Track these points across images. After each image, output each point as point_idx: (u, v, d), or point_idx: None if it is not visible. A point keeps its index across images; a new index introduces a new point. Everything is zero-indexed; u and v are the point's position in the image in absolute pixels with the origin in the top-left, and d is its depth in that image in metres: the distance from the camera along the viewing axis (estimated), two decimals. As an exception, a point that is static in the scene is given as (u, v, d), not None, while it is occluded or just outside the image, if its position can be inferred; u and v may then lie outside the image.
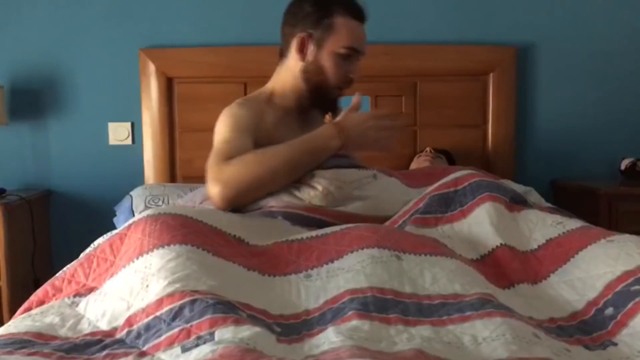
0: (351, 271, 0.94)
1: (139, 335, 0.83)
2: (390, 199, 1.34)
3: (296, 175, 1.29)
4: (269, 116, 1.42)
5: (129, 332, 0.85)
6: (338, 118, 1.35)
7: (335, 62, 1.41)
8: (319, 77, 1.42)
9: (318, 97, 1.45)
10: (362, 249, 0.99)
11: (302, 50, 1.41)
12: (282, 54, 1.49)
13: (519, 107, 2.34)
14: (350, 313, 0.83)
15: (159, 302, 0.84)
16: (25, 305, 1.01)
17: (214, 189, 1.23)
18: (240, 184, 1.23)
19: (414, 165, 2.08)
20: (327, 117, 1.52)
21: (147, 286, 0.89)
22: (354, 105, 1.36)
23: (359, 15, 1.42)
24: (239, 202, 1.25)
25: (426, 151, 2.10)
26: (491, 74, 2.28)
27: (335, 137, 1.30)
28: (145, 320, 0.84)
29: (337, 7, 1.40)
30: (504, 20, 2.34)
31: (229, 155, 1.27)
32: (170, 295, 0.84)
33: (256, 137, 1.37)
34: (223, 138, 1.36)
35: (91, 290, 0.99)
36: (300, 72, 1.43)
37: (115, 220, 1.93)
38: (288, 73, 1.46)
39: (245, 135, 1.35)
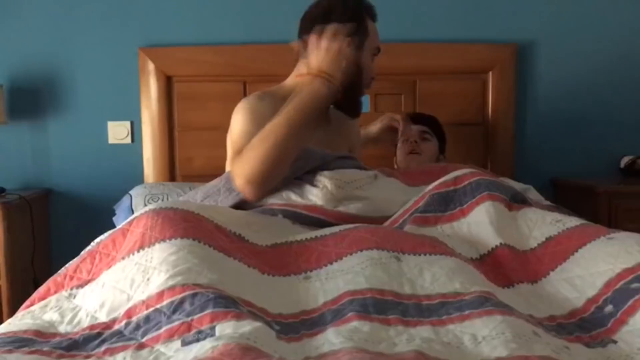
0: (350, 273, 0.94)
1: (137, 327, 0.83)
2: (389, 199, 1.34)
3: (302, 136, 1.30)
4: None
5: (127, 324, 0.85)
6: (303, 68, 1.39)
7: (369, 62, 1.50)
8: (357, 78, 1.47)
9: (350, 97, 1.49)
10: (362, 250, 0.99)
11: None
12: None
13: (518, 105, 2.34)
14: (349, 314, 0.83)
15: (160, 295, 0.85)
16: (27, 302, 1.01)
17: (241, 188, 1.28)
18: (257, 168, 1.25)
19: (400, 155, 1.98)
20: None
21: (148, 279, 0.89)
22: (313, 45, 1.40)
23: (376, 16, 1.52)
24: (267, 186, 1.28)
25: (410, 141, 1.94)
26: (491, 72, 2.28)
27: (321, 82, 1.32)
28: (145, 312, 0.84)
29: (365, 11, 1.48)
30: (503, 18, 2.33)
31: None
32: (172, 288, 0.85)
33: None
34: (240, 131, 1.38)
35: (89, 283, 0.99)
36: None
37: (114, 219, 1.93)
38: None
39: (262, 128, 1.34)
